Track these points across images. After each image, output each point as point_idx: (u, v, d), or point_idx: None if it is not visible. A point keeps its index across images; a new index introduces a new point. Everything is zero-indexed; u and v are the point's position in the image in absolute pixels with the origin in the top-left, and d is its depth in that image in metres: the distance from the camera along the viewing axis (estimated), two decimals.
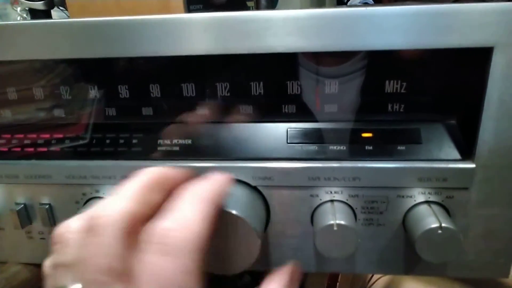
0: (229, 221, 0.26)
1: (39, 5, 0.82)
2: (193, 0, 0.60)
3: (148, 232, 0.20)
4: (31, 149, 0.31)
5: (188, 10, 0.60)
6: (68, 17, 0.67)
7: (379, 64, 0.28)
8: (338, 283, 0.62)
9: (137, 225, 0.21)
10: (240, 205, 0.26)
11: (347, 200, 0.29)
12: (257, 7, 0.71)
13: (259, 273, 0.29)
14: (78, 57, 0.28)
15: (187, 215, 0.21)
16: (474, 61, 0.26)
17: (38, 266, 0.35)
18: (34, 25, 0.28)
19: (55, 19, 0.86)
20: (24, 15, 0.90)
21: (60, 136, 0.31)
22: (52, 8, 0.84)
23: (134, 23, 0.27)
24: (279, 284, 0.25)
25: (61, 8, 0.83)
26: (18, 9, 0.88)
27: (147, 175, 0.23)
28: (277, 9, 0.78)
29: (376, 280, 0.70)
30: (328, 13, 0.25)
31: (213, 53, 0.27)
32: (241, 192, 0.28)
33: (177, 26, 0.26)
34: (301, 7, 0.97)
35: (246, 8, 0.66)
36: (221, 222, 0.26)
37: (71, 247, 0.20)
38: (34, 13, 0.81)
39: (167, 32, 0.26)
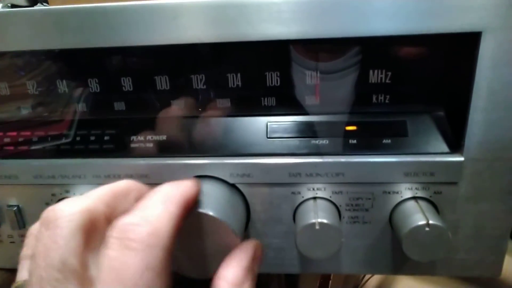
0: (207, 222, 0.24)
1: (21, 1, 0.80)
2: None
3: (111, 228, 0.19)
4: None
5: None
6: None
7: (363, 52, 0.26)
8: (330, 281, 0.60)
9: (100, 225, 0.19)
10: (218, 205, 0.25)
11: (330, 197, 0.27)
12: None
13: None
14: (46, 48, 0.26)
15: (154, 212, 0.20)
16: (461, 48, 0.25)
17: (9, 270, 0.33)
18: None
19: None
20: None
21: (28, 134, 0.29)
22: (35, 4, 0.82)
23: (105, 10, 0.25)
24: (239, 265, 0.23)
25: (44, 4, 0.81)
26: (0, 5, 0.86)
27: (118, 183, 0.22)
28: None
29: (369, 278, 0.68)
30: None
31: (187, 42, 0.25)
32: (218, 191, 0.26)
33: (151, 14, 0.25)
34: None
35: None
36: (198, 224, 0.24)
37: (31, 240, 0.19)
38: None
39: (141, 20, 0.25)
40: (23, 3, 0.78)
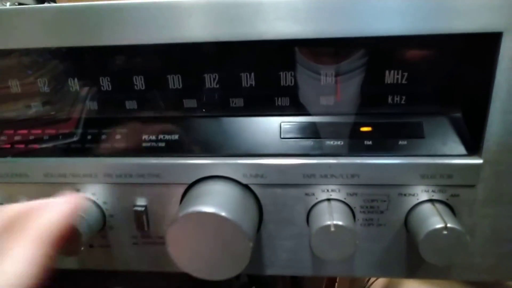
0: (219, 223, 0.24)
1: (29, 1, 0.80)
2: None
3: None
4: (7, 146, 0.29)
5: None
6: None
7: (378, 52, 0.26)
8: (336, 283, 0.60)
9: None
10: (230, 206, 0.24)
11: (345, 198, 0.27)
12: None
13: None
14: (57, 46, 0.26)
15: (12, 268, 0.19)
16: (481, 48, 0.24)
17: None
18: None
19: None
20: None
21: (38, 132, 0.29)
22: (43, 3, 0.82)
23: (111, 8, 0.24)
24: (59, 211, 0.22)
25: (51, 2, 0.81)
26: (8, 3, 0.86)
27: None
28: None
29: (375, 280, 0.68)
30: None
31: (201, 40, 0.24)
32: (231, 192, 0.26)
33: (162, 11, 0.24)
34: None
35: None
36: (209, 224, 0.24)
37: None
38: None
39: (151, 18, 0.24)
40: (31, 2, 0.78)
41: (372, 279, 0.68)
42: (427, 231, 0.24)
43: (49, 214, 0.22)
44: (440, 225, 0.24)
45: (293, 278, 0.54)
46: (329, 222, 0.24)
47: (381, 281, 0.67)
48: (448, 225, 0.24)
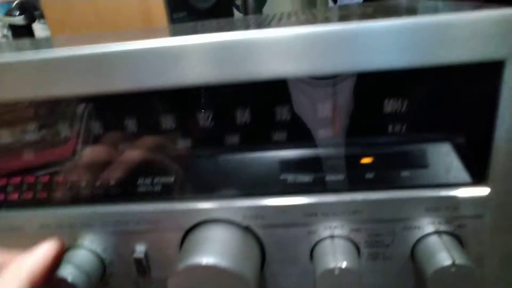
0: (219, 274, 0.23)
1: (19, 21, 0.79)
2: (175, 8, 0.57)
3: None
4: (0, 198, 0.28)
5: (171, 19, 0.57)
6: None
7: (377, 83, 0.25)
8: None
9: None
10: (230, 254, 0.24)
11: (348, 234, 0.26)
12: (245, 7, 0.68)
13: None
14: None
15: None
16: (483, 76, 0.23)
17: None
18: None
19: (37, 34, 0.82)
20: (5, 32, 0.87)
21: (32, 180, 0.28)
22: (33, 22, 0.81)
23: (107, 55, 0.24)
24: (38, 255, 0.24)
25: (41, 20, 0.80)
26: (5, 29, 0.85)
27: None
28: (266, 8, 0.74)
29: None
30: (311, 32, 0.22)
31: (200, 83, 0.24)
32: (230, 236, 0.25)
33: (154, 57, 0.23)
34: (292, 7, 0.93)
35: (231, 13, 0.63)
36: (211, 276, 0.23)
37: None
38: (14, 29, 0.78)
39: (148, 63, 0.23)
40: (21, 22, 0.77)
41: None
42: (435, 268, 0.23)
43: (28, 259, 0.23)
44: (448, 262, 0.23)
45: None
46: (332, 265, 0.24)
47: None
48: (456, 262, 0.23)
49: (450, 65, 0.22)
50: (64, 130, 0.28)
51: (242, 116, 0.26)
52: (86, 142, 0.28)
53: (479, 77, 0.23)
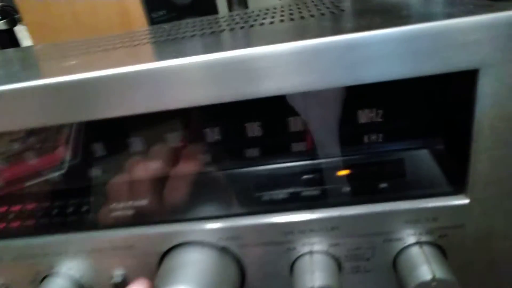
0: None
1: (1, 25, 0.77)
2: (153, 7, 0.55)
3: None
4: None
5: (151, 19, 0.55)
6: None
7: (352, 94, 0.24)
8: None
9: None
10: (206, 279, 0.23)
11: (327, 250, 0.26)
12: (229, 4, 0.65)
13: None
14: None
15: None
16: (458, 85, 0.22)
17: None
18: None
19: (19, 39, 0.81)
20: None
21: (3, 210, 0.28)
22: (15, 26, 0.79)
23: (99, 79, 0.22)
24: None
25: (19, 23, 0.78)
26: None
27: None
28: (251, 6, 0.70)
29: None
30: (304, 46, 0.21)
31: (192, 104, 0.22)
32: (207, 259, 0.25)
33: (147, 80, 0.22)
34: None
35: (212, 7, 0.61)
36: None
37: None
38: None
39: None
40: (3, 26, 0.75)
41: None
42: (416, 283, 0.23)
43: None
44: (428, 277, 0.23)
45: None
46: (310, 285, 0.23)
47: None
48: (437, 276, 0.23)
49: (423, 76, 0.21)
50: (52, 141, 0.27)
51: (212, 135, 0.25)
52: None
53: (455, 86, 0.22)
